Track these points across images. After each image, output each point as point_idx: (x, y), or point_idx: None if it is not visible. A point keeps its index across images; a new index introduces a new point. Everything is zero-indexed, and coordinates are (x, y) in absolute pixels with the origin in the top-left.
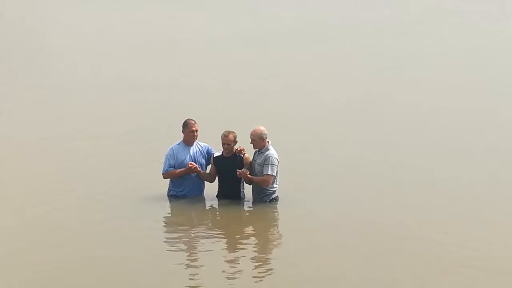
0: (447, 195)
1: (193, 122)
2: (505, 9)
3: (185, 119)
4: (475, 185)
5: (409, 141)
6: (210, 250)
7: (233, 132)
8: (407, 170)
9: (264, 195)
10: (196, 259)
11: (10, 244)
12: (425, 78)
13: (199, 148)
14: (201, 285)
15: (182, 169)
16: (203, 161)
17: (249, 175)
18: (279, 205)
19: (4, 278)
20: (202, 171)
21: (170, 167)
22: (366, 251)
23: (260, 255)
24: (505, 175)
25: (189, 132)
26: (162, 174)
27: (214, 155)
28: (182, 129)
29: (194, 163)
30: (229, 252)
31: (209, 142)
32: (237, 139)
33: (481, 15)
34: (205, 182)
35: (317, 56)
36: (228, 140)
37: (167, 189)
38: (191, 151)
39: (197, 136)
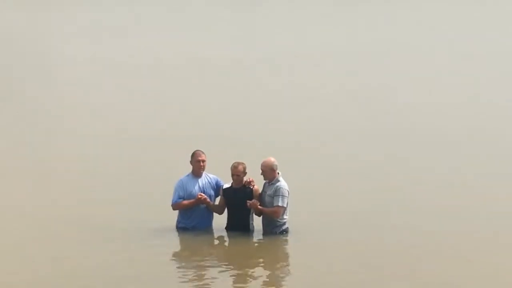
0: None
1: (200, 152)
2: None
3: (194, 150)
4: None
5: (420, 167)
6: (219, 282)
7: (243, 163)
8: (419, 199)
9: (274, 227)
10: None
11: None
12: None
13: (208, 180)
14: None
15: (191, 200)
16: (212, 193)
17: (259, 206)
18: (289, 237)
19: None
20: (211, 202)
21: (179, 199)
22: (377, 284)
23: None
24: None
25: (195, 162)
26: (171, 205)
27: (224, 187)
28: (190, 160)
29: (203, 194)
30: (238, 284)
31: (218, 174)
32: (246, 171)
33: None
34: (214, 213)
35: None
36: (237, 171)
37: (175, 221)
38: (199, 182)
39: (204, 166)
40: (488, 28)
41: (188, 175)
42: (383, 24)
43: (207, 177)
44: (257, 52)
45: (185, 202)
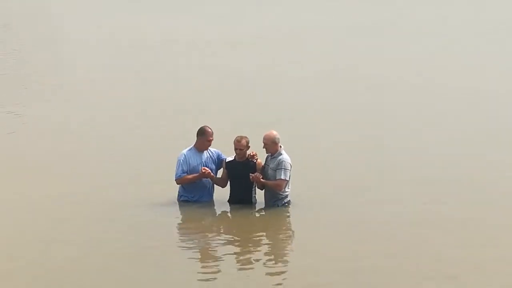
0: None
1: (210, 132)
2: None
3: (202, 126)
4: None
5: (427, 140)
6: (222, 255)
7: (246, 137)
8: (424, 171)
9: (277, 200)
10: (208, 264)
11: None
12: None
13: (210, 154)
14: None
15: (195, 174)
16: (214, 167)
17: (262, 180)
18: (292, 209)
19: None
20: (214, 177)
21: (183, 173)
22: (379, 257)
23: (272, 259)
24: None
25: (205, 141)
26: (175, 179)
27: (227, 160)
28: (197, 135)
29: (207, 168)
30: (241, 256)
31: (221, 147)
32: (249, 144)
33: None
34: (215, 187)
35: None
36: (240, 146)
37: (177, 195)
38: (202, 157)
39: (210, 145)
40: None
41: (191, 149)
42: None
43: (209, 151)
44: (239, 31)
45: (189, 176)
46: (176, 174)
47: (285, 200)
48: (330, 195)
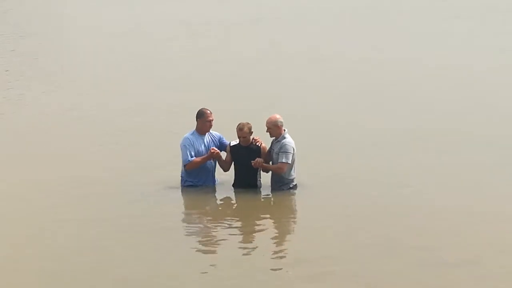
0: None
1: (209, 112)
2: None
3: (200, 108)
4: None
5: (432, 121)
6: (226, 238)
7: (248, 123)
8: (431, 154)
9: (282, 184)
10: (212, 247)
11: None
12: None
13: (211, 137)
14: (218, 271)
15: (204, 156)
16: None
17: (264, 164)
18: (297, 193)
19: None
20: (222, 157)
21: (192, 157)
22: (385, 240)
23: (276, 242)
24: None
25: (205, 122)
26: (185, 165)
27: (231, 144)
28: (196, 118)
29: (215, 149)
30: (246, 239)
31: (223, 132)
32: (252, 130)
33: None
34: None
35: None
36: (243, 134)
37: (180, 180)
38: (205, 140)
39: (212, 125)
40: None
41: (193, 133)
42: None
43: (210, 135)
44: (241, 12)
45: (198, 159)
46: (185, 160)
47: (291, 185)
48: (337, 179)
